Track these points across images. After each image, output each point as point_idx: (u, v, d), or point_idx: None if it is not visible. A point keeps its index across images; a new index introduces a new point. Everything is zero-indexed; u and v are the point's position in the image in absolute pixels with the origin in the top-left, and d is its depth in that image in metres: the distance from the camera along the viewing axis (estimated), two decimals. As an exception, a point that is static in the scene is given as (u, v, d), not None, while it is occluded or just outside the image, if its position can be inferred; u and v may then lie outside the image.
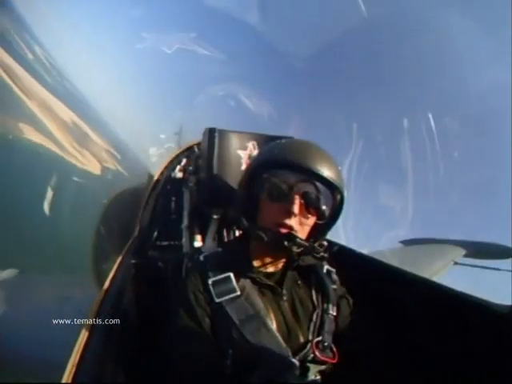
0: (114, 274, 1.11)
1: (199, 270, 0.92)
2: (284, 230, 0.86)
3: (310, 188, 0.88)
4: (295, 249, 0.88)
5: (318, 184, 0.88)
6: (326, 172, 0.88)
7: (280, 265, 0.98)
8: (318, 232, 0.95)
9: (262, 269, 0.96)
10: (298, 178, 0.88)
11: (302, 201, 0.87)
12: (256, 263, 0.96)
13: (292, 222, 0.87)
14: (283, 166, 0.91)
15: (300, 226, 0.89)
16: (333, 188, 0.91)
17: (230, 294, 0.86)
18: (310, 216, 0.90)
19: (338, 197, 0.93)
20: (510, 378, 0.77)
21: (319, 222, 0.92)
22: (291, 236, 0.86)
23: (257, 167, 0.97)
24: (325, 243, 0.94)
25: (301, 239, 0.88)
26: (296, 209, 0.86)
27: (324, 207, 0.89)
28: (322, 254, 0.93)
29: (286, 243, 0.86)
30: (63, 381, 0.57)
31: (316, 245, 0.92)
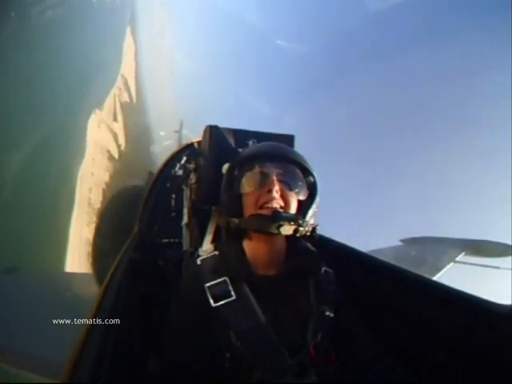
0: (113, 271, 1.11)
1: (196, 273, 0.94)
2: (270, 207, 0.92)
3: (281, 170, 0.98)
4: (287, 227, 0.90)
5: (288, 166, 1.00)
6: (292, 156, 1.02)
7: (276, 267, 0.99)
8: (303, 210, 1.00)
9: (257, 272, 0.97)
10: (270, 164, 0.98)
11: (279, 181, 0.95)
12: (252, 266, 0.97)
13: (275, 199, 0.92)
14: (255, 159, 1.01)
15: (285, 203, 0.95)
16: (302, 168, 1.02)
17: (226, 298, 0.87)
18: (290, 193, 0.97)
19: (310, 177, 1.03)
20: (510, 378, 0.77)
21: (300, 197, 0.99)
22: (277, 213, 0.91)
23: (232, 169, 1.06)
24: (317, 226, 1.00)
25: (288, 212, 0.94)
26: (275, 185, 0.93)
27: (299, 183, 0.99)
28: (311, 228, 0.97)
29: (275, 220, 0.89)
30: (62, 380, 0.57)
31: (304, 221, 0.96)
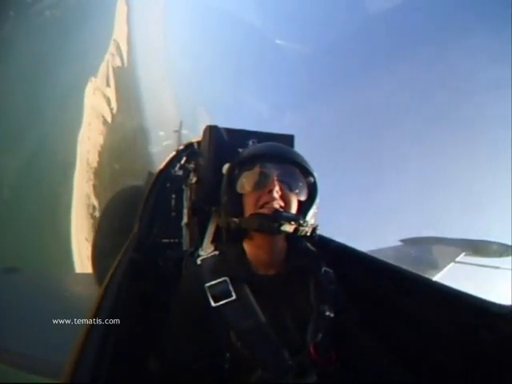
0: (113, 271, 1.11)
1: (196, 273, 0.94)
2: (270, 207, 0.92)
3: (282, 170, 0.98)
4: (288, 226, 0.90)
5: (288, 166, 1.00)
6: (293, 156, 1.03)
7: (276, 267, 0.99)
8: (303, 210, 1.00)
9: (258, 272, 0.97)
10: (270, 164, 0.98)
11: (279, 181, 0.95)
12: (252, 266, 0.97)
13: (275, 199, 0.92)
14: (255, 160, 1.01)
15: (285, 204, 0.95)
16: (302, 169, 1.02)
17: (226, 298, 0.86)
18: (290, 193, 0.97)
19: (310, 178, 1.03)
20: (510, 378, 0.77)
21: (301, 198, 0.99)
22: (278, 213, 0.91)
23: (232, 169, 1.06)
24: (317, 227, 1.00)
25: (288, 212, 0.94)
26: (275, 186, 0.93)
27: (300, 184, 0.99)
28: (311, 228, 0.97)
29: (275, 219, 0.89)
30: (62, 380, 0.57)
31: (304, 221, 0.96)
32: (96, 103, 8.80)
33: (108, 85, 9.88)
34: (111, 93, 9.86)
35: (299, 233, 0.93)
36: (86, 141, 7.76)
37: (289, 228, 0.90)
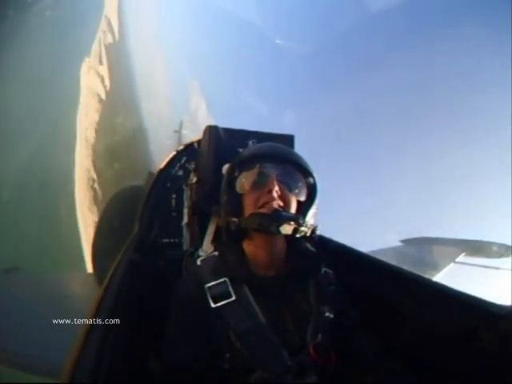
0: (113, 272, 1.11)
1: (196, 274, 0.94)
2: (270, 207, 0.92)
3: (281, 170, 0.98)
4: (287, 226, 0.90)
5: (288, 167, 1.00)
6: (292, 157, 1.04)
7: (276, 268, 0.99)
8: (302, 210, 1.00)
9: (257, 272, 0.97)
10: (270, 164, 0.98)
11: (278, 181, 0.95)
12: (252, 267, 0.97)
13: (275, 199, 0.92)
14: (255, 160, 1.01)
15: (285, 204, 0.94)
16: (302, 169, 1.02)
17: (226, 298, 0.87)
18: (289, 194, 0.97)
19: (310, 178, 1.03)
20: (510, 378, 0.77)
21: (300, 198, 0.99)
22: (277, 212, 0.91)
23: (232, 169, 1.06)
24: (317, 227, 1.00)
25: (288, 212, 0.94)
26: (275, 186, 0.93)
27: (299, 184, 1.00)
28: (310, 229, 0.97)
29: (275, 219, 0.90)
30: (62, 380, 0.57)
31: (303, 222, 0.96)
32: (91, 83, 8.91)
33: (101, 63, 9.90)
34: (104, 71, 9.90)
35: (298, 233, 0.93)
36: (85, 140, 7.79)
37: (288, 229, 0.90)
